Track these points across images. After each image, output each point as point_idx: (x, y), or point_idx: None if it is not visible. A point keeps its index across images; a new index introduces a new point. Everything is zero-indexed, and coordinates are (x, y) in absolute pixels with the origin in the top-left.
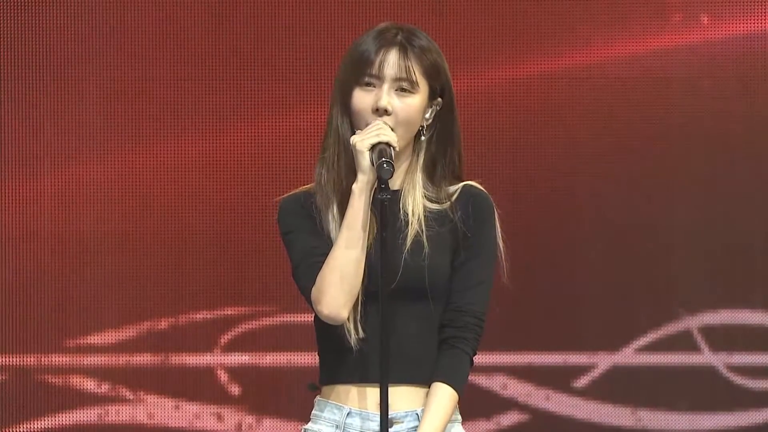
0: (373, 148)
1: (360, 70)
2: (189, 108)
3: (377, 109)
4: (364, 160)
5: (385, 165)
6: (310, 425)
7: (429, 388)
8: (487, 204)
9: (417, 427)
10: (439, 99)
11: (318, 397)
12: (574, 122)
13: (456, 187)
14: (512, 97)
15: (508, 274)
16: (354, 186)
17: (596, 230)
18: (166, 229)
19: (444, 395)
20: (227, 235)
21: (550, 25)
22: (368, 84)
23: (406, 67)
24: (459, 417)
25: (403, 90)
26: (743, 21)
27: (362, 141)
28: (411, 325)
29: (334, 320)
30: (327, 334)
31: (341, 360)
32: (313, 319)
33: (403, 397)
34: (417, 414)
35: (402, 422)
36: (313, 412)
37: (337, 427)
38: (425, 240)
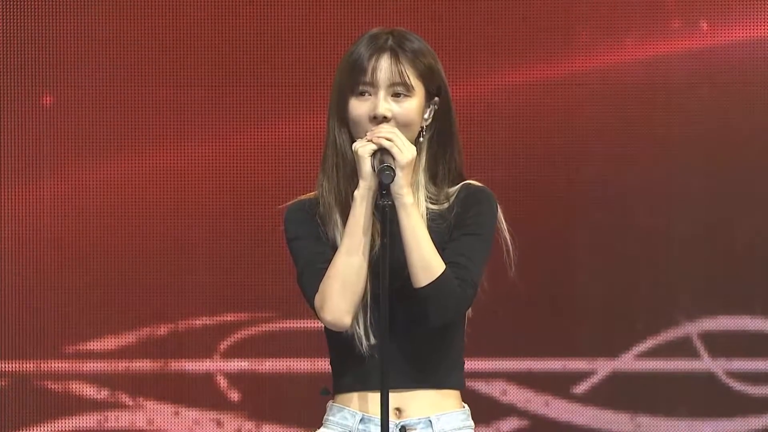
0: (374, 154)
1: (353, 79)
2: (191, 114)
3: (375, 117)
4: (365, 166)
5: (386, 170)
6: (322, 430)
7: (442, 391)
8: (482, 195)
9: None
10: (436, 98)
11: (330, 402)
12: (574, 128)
13: (456, 188)
14: (512, 103)
15: (514, 269)
16: (355, 193)
17: (596, 236)
18: (165, 235)
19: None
20: (226, 241)
21: (550, 31)
22: (363, 93)
23: (399, 71)
24: (472, 423)
25: (398, 95)
26: (743, 27)
27: (364, 147)
28: (420, 328)
29: (337, 327)
30: (338, 340)
31: (353, 366)
32: (323, 326)
33: (417, 402)
34: (430, 420)
35: (415, 429)
36: (325, 416)
37: None
38: None
